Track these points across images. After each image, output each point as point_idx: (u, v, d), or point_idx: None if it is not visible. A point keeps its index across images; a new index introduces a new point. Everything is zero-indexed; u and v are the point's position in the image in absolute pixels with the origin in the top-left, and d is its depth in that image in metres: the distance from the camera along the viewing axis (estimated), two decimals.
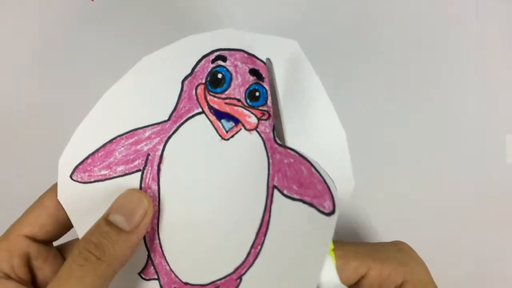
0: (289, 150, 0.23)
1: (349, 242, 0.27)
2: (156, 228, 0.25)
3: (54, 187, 0.25)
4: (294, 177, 0.23)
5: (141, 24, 0.35)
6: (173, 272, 0.25)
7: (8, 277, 0.24)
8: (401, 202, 0.35)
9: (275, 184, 0.24)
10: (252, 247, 0.24)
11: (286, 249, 0.23)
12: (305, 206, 0.22)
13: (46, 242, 0.25)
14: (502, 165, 0.35)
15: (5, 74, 0.35)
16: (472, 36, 0.35)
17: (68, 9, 0.35)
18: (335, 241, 0.26)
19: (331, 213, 0.21)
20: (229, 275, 0.24)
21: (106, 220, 0.22)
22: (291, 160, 0.23)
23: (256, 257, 0.24)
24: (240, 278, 0.24)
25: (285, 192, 0.23)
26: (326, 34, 0.35)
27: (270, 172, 0.24)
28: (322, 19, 0.35)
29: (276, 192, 0.24)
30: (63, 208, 0.24)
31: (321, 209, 0.21)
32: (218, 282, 0.24)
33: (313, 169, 0.22)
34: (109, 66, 0.29)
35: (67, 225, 0.25)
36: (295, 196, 0.23)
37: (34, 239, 0.25)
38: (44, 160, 0.27)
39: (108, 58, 0.35)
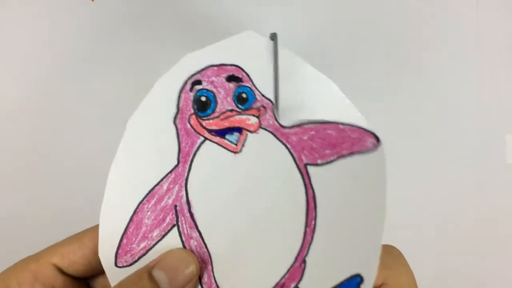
0: (306, 126, 0.23)
1: None
2: (212, 274, 0.24)
3: (97, 227, 0.24)
4: (323, 145, 0.23)
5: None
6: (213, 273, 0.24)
7: None
8: (401, 202, 0.35)
9: (305, 162, 0.23)
10: (306, 226, 0.23)
11: (342, 211, 0.23)
12: (346, 159, 0.22)
13: (75, 278, 0.25)
14: (502, 165, 0.35)
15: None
16: (472, 36, 0.35)
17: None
18: None
19: (377, 146, 0.21)
20: (291, 266, 0.23)
21: (149, 274, 0.21)
22: (312, 132, 0.23)
23: (313, 232, 0.23)
24: (303, 261, 0.23)
25: (319, 162, 0.23)
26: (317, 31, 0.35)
27: (294, 155, 0.23)
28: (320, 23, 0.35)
29: (310, 167, 0.23)
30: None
31: (364, 150, 0.22)
32: (281, 280, 0.24)
33: (341, 126, 0.23)
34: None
35: (99, 271, 0.24)
36: (331, 158, 0.23)
37: (61, 271, 0.24)
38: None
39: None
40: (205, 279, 0.24)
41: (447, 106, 0.35)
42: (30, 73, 0.35)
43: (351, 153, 0.22)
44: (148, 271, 0.21)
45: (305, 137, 0.23)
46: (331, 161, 0.23)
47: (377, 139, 0.22)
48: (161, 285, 0.21)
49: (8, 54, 0.35)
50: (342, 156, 0.23)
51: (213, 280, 0.24)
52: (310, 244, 0.23)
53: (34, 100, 0.35)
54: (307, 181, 0.23)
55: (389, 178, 0.35)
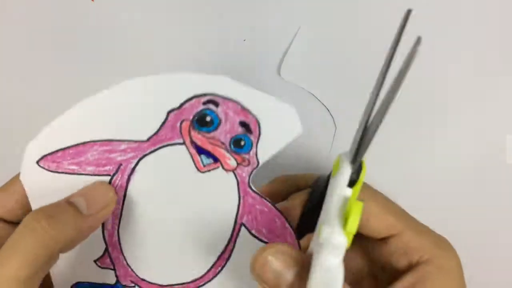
0: (265, 200, 0.25)
1: (395, 203, 0.27)
2: (117, 228, 0.26)
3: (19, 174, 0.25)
4: (265, 224, 0.25)
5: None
6: (129, 266, 0.26)
7: None
8: (401, 202, 0.35)
9: (244, 222, 0.25)
10: (213, 266, 0.26)
11: (244, 279, 0.25)
12: None
13: (16, 224, 0.25)
14: (502, 165, 0.35)
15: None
16: (472, 36, 0.35)
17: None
18: (383, 194, 0.27)
19: None
20: (187, 283, 0.26)
21: (67, 199, 0.23)
22: (265, 209, 0.25)
23: (215, 276, 0.26)
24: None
25: (252, 231, 0.25)
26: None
27: (240, 210, 0.25)
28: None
29: (243, 229, 0.25)
30: None
31: None
32: (176, 286, 0.26)
33: (287, 225, 0.25)
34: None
35: None
36: (262, 238, 0.25)
37: (3, 220, 0.25)
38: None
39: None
40: (108, 226, 0.25)
41: (447, 106, 0.35)
42: None
43: None
44: (67, 198, 0.23)
45: (258, 207, 0.25)
46: (260, 239, 0.25)
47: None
48: (78, 207, 0.23)
49: None
50: (268, 243, 0.25)
51: (116, 232, 0.26)
52: (208, 281, 0.26)
53: None
54: (234, 235, 0.25)
55: (388, 178, 0.35)
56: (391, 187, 0.35)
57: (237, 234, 0.25)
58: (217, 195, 0.25)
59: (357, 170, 0.22)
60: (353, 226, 0.20)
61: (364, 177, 0.22)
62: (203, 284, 0.26)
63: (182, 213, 0.25)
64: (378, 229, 0.25)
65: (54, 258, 0.22)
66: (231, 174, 0.25)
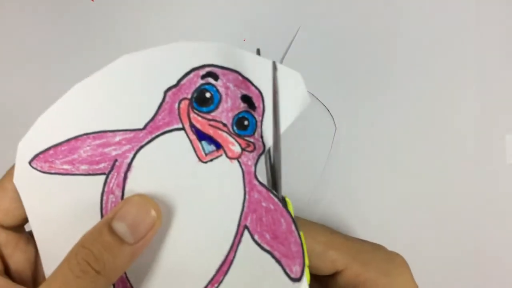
0: (271, 194, 0.22)
1: (339, 233, 0.26)
2: None
3: (12, 170, 0.23)
4: (269, 226, 0.22)
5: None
6: (128, 280, 0.23)
7: None
8: (401, 203, 0.35)
9: (247, 224, 0.22)
10: (209, 282, 0.23)
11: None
12: (273, 261, 0.22)
13: (14, 228, 0.24)
14: (502, 165, 0.35)
15: None
16: (472, 36, 0.35)
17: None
18: (324, 227, 0.26)
19: (297, 280, 0.21)
20: None
21: (109, 227, 0.20)
22: (271, 206, 0.22)
23: (218, 284, 0.23)
24: None
25: (255, 237, 0.22)
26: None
27: (244, 209, 0.22)
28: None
29: (246, 233, 0.23)
30: None
31: (288, 271, 0.21)
32: None
33: (293, 227, 0.22)
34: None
35: None
36: (265, 246, 0.22)
37: (0, 226, 0.23)
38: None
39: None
40: None
41: (447, 106, 0.35)
42: None
43: (279, 262, 0.22)
44: (108, 224, 0.20)
45: (263, 204, 0.22)
46: (262, 248, 0.22)
47: (302, 274, 0.21)
48: (123, 238, 0.20)
49: None
50: (272, 255, 0.22)
51: None
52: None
53: None
54: (236, 242, 0.23)
55: (388, 178, 0.35)
56: (392, 187, 0.35)
57: (239, 240, 0.23)
58: (220, 190, 0.23)
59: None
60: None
61: (293, 211, 0.22)
62: None
63: (182, 217, 0.23)
64: (322, 268, 0.25)
65: None
66: (236, 163, 0.22)
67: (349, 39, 0.35)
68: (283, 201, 0.22)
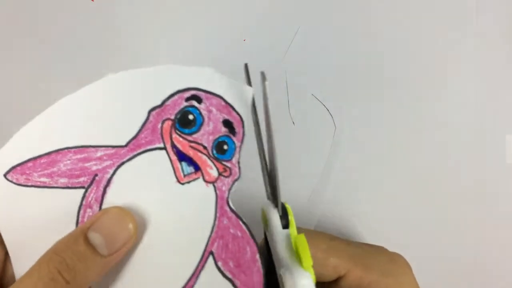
0: (240, 222, 0.23)
1: (339, 238, 0.26)
2: None
3: None
4: (234, 253, 0.23)
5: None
6: None
7: None
8: (401, 202, 0.35)
9: (213, 250, 0.23)
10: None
11: None
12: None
13: None
14: (502, 165, 0.35)
15: None
16: (472, 36, 0.35)
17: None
18: (324, 233, 0.26)
19: None
20: None
21: (85, 237, 0.20)
22: (239, 233, 0.23)
23: None
24: None
25: (219, 264, 0.23)
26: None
27: (212, 234, 0.23)
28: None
29: (210, 259, 0.23)
30: None
31: None
32: None
33: (257, 256, 0.22)
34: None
35: None
36: (227, 274, 0.22)
37: None
38: None
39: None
40: None
41: (447, 106, 0.35)
42: None
43: None
44: (84, 234, 0.20)
45: (231, 230, 0.23)
46: (224, 275, 0.23)
47: None
48: (98, 249, 0.20)
49: None
50: (232, 284, 0.22)
51: None
52: None
53: None
54: (199, 268, 0.23)
55: (388, 178, 0.35)
56: (392, 187, 0.35)
57: (203, 266, 0.23)
58: (192, 213, 0.23)
59: (284, 213, 0.22)
60: (307, 258, 0.20)
61: (293, 216, 0.22)
62: None
63: (151, 236, 0.23)
64: (324, 274, 0.25)
65: None
66: (211, 187, 0.23)
67: (349, 39, 0.35)
68: (282, 208, 0.22)
